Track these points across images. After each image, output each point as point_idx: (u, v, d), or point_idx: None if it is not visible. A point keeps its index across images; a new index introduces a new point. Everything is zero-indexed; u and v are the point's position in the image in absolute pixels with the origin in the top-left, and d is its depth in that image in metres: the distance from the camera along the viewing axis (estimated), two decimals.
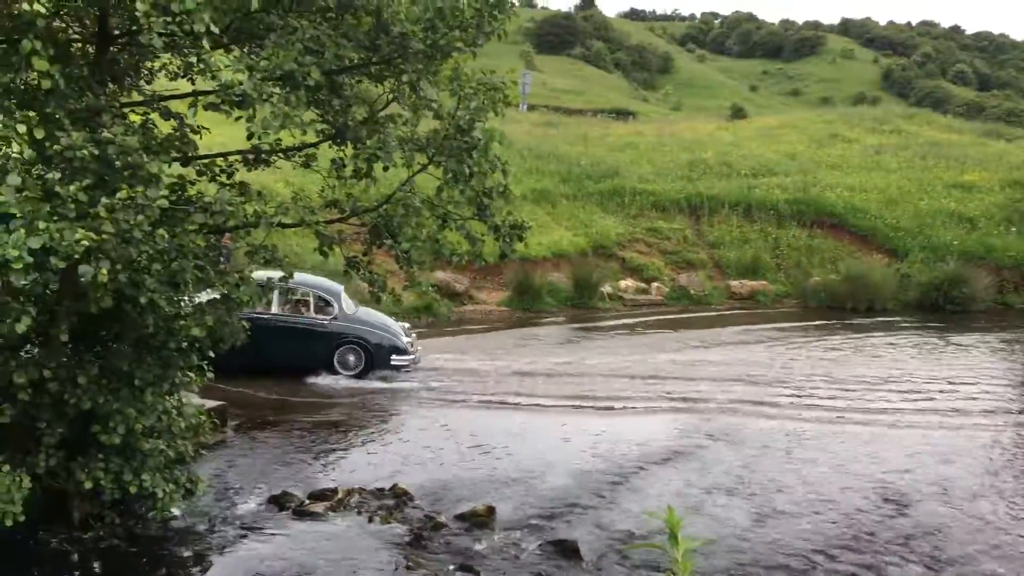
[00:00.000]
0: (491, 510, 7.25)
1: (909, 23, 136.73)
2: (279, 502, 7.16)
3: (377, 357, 11.95)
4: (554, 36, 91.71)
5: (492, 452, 9.01)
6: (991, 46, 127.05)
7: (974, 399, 12.02)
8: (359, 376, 11.82)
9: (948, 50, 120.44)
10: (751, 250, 21.77)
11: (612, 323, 17.63)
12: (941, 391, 12.39)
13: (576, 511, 7.55)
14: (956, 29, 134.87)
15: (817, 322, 18.20)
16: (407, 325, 13.07)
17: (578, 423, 10.37)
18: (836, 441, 9.87)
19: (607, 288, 19.56)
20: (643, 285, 20.25)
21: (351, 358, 11.94)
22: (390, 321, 12.67)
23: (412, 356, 12.33)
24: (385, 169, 6.74)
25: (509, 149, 25.77)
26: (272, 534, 6.62)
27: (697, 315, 18.83)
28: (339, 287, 12.15)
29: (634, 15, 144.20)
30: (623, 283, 20.05)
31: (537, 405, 11.10)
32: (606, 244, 21.41)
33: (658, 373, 12.95)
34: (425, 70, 6.95)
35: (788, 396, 11.83)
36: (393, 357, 12.06)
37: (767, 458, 9.16)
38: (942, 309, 19.76)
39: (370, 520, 6.93)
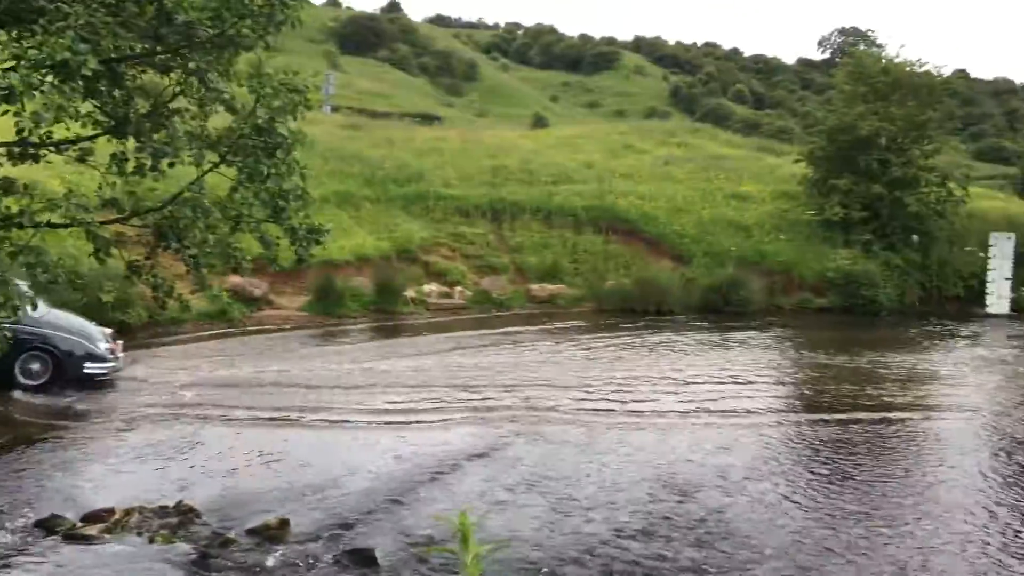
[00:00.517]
0: (285, 523, 7.01)
1: (695, 43, 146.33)
2: (47, 526, 6.57)
3: (68, 365, 10.94)
4: (359, 37, 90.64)
5: (284, 465, 8.74)
6: (766, 68, 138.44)
7: (750, 394, 13.01)
8: (45, 387, 10.76)
9: (729, 70, 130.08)
10: (551, 255, 22.50)
11: (414, 324, 17.65)
12: (721, 385, 13.33)
13: (376, 519, 7.46)
14: (736, 51, 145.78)
15: (610, 323, 19.07)
16: (109, 331, 12.04)
17: (376, 430, 10.27)
18: (627, 436, 10.37)
19: (411, 292, 19.56)
20: (447, 289, 20.42)
21: (36, 366, 10.85)
22: (88, 324, 11.63)
23: (112, 364, 11.41)
24: (171, 165, 6.39)
25: (311, 151, 25.11)
26: (39, 562, 6.07)
27: (498, 316, 19.20)
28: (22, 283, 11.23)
29: (440, 21, 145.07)
30: (427, 287, 20.12)
31: (329, 418, 10.87)
32: (410, 248, 21.40)
33: (456, 377, 13.09)
34: (215, 61, 6.65)
35: (582, 396, 12.29)
36: (87, 365, 11.09)
37: (563, 456, 9.47)
38: (722, 310, 21.30)
39: (151, 540, 6.50)
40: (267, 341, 15.45)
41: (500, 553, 6.87)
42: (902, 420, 11.87)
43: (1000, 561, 7.23)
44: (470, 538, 2.56)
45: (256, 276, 17.10)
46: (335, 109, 40.41)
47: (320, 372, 13.04)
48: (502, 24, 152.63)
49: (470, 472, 8.85)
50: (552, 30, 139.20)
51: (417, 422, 10.63)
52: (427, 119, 51.64)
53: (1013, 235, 25.32)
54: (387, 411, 11.07)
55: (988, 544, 7.60)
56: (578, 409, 11.56)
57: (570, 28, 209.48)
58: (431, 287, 20.22)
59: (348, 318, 18.18)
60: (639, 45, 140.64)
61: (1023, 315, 24.44)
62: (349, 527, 7.25)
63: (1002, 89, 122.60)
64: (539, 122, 63.04)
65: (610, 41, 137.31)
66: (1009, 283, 24.85)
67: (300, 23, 6.93)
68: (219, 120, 6.98)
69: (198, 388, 11.82)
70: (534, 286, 21.52)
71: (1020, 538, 7.78)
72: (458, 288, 20.60)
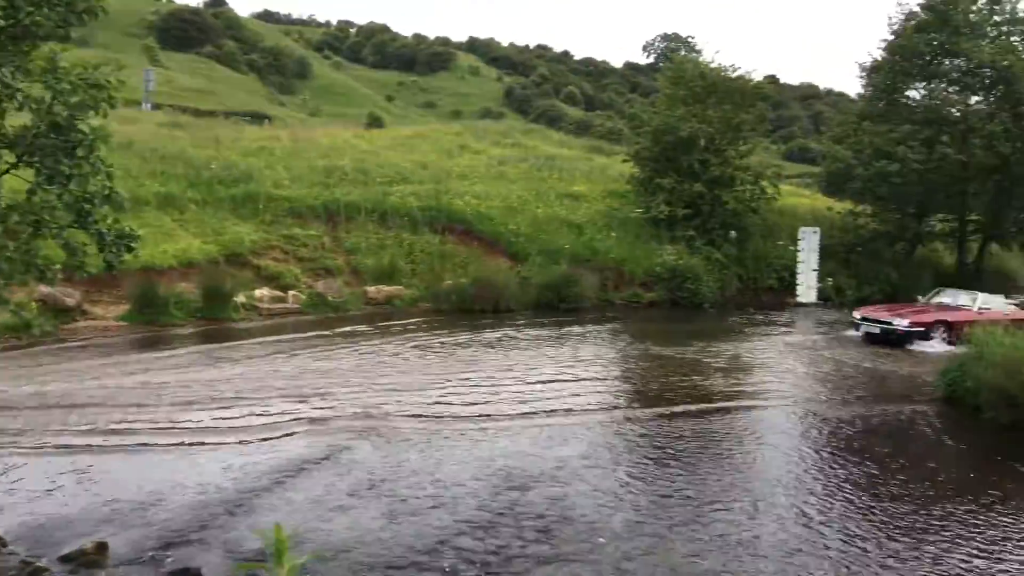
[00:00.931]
0: (103, 546, 6.58)
1: (528, 46, 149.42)
2: None
3: None
4: (181, 32, 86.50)
5: (102, 486, 8.21)
6: (595, 71, 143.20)
7: (586, 388, 13.38)
8: None
9: (560, 73, 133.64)
10: (387, 256, 22.26)
11: (245, 330, 16.99)
12: (559, 380, 13.63)
13: (204, 536, 7.14)
14: (566, 54, 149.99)
15: (447, 323, 19.07)
16: None
17: (202, 443, 9.82)
18: (467, 434, 10.42)
19: (241, 298, 18.83)
20: (280, 293, 19.79)
21: None
22: None
23: None
24: None
25: (129, 150, 23.78)
26: None
27: (335, 320, 18.79)
28: None
29: (268, 17, 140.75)
30: (259, 292, 19.42)
31: (148, 434, 10.31)
32: (240, 252, 20.60)
33: (290, 383, 12.73)
34: (11, 55, 6.15)
35: (420, 397, 12.25)
36: None
37: (404, 457, 9.41)
38: (557, 307, 21.80)
39: None
40: (80, 354, 14.43)
41: (339, 559, 6.77)
42: (726, 408, 12.57)
43: (814, 528, 7.80)
44: (284, 552, 2.48)
45: (68, 285, 15.96)
46: (156, 107, 38.36)
47: (133, 386, 12.31)
48: (334, 22, 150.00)
49: (308, 479, 8.63)
50: (386, 29, 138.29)
51: (247, 430, 10.24)
52: (256, 118, 49.96)
53: (818, 229, 27.37)
54: (215, 422, 10.60)
55: (805, 514, 8.19)
56: (417, 411, 11.51)
57: (404, 28, 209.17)
58: (263, 292, 19.53)
59: (173, 327, 17.27)
60: (473, 46, 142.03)
61: (829, 303, 26.47)
62: (174, 546, 6.91)
63: (808, 94, 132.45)
64: (374, 122, 62.43)
65: (445, 41, 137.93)
66: (816, 274, 26.84)
67: (104, 12, 6.51)
68: (20, 118, 6.45)
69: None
70: (371, 288, 21.24)
71: (831, 508, 8.43)
72: (292, 292, 20.02)
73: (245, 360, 14.33)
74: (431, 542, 7.20)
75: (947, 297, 20.72)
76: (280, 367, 13.84)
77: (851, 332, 19.79)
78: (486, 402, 12.13)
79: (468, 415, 11.40)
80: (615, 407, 12.46)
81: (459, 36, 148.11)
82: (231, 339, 16.36)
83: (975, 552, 7.53)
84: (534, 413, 11.64)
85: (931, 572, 7.09)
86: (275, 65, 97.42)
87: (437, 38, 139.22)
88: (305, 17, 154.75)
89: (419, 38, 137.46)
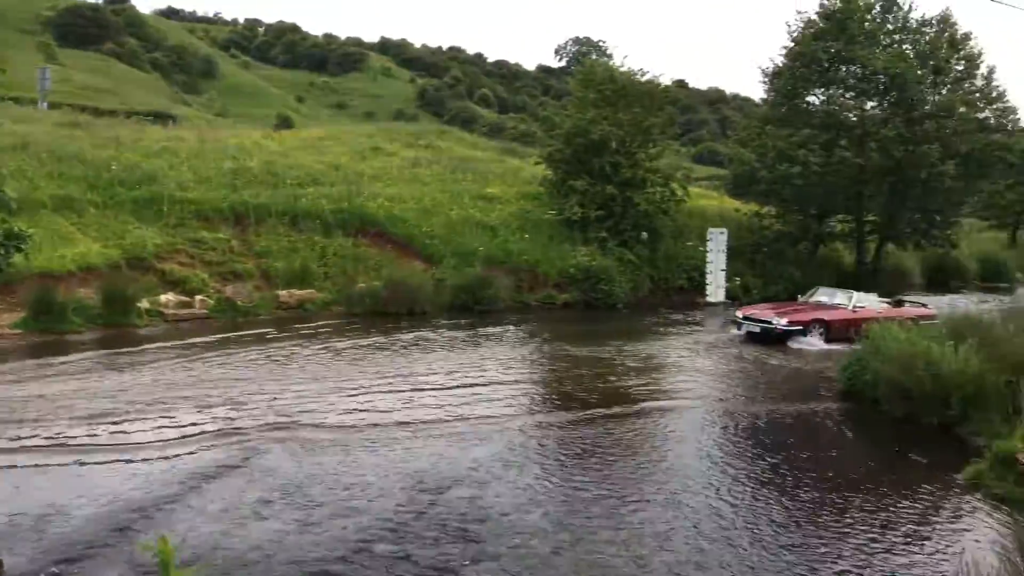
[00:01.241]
0: None
1: (441, 47, 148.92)
2: None
3: None
4: (80, 28, 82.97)
5: None
6: (508, 73, 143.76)
7: (501, 390, 13.41)
8: None
9: (473, 75, 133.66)
10: (299, 259, 21.86)
11: (148, 336, 16.44)
12: (473, 384, 13.61)
13: (105, 550, 6.88)
14: (480, 56, 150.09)
15: (361, 327, 18.85)
16: None
17: (105, 454, 9.46)
18: (382, 439, 10.31)
19: (145, 304, 18.20)
20: (186, 298, 19.19)
21: None
22: None
23: None
24: None
25: (24, 151, 22.77)
26: None
27: (244, 325, 18.34)
28: None
29: (172, 14, 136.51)
30: (163, 297, 18.80)
31: (44, 446, 9.89)
32: (143, 256, 19.91)
33: (199, 390, 12.38)
34: None
35: (333, 402, 12.08)
36: None
37: (316, 465, 9.25)
38: (472, 309, 21.80)
39: None
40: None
41: (251, 568, 6.61)
42: (641, 407, 12.78)
43: (725, 519, 8.00)
44: (170, 564, 2.40)
45: None
46: (53, 106, 36.74)
47: (27, 398, 11.77)
48: (241, 20, 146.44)
49: (216, 488, 8.40)
50: (295, 28, 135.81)
51: (152, 443, 9.90)
52: (160, 118, 48.43)
53: (726, 230, 28.11)
54: (115, 436, 10.21)
55: (712, 505, 8.39)
56: (331, 417, 11.33)
57: (314, 27, 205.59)
58: (168, 297, 18.91)
59: (72, 334, 16.57)
60: (386, 47, 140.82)
61: (737, 303, 27.20)
62: (74, 561, 6.63)
63: (715, 98, 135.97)
64: (284, 123, 61.30)
65: (356, 42, 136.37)
66: (724, 274, 27.56)
67: None
68: None
69: None
70: (282, 292, 20.82)
71: (741, 501, 8.66)
72: (199, 297, 19.44)
73: (148, 367, 13.86)
74: (348, 548, 7.10)
75: (824, 296, 21.09)
76: (182, 375, 13.43)
77: (734, 331, 20.14)
78: (402, 407, 12.03)
79: (383, 421, 11.28)
80: (532, 410, 12.52)
81: (371, 36, 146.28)
82: (132, 345, 15.80)
83: (870, 534, 7.86)
84: (448, 419, 11.59)
85: (829, 553, 7.37)
86: (179, 64, 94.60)
87: (348, 38, 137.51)
88: (211, 15, 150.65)
89: (330, 38, 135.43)
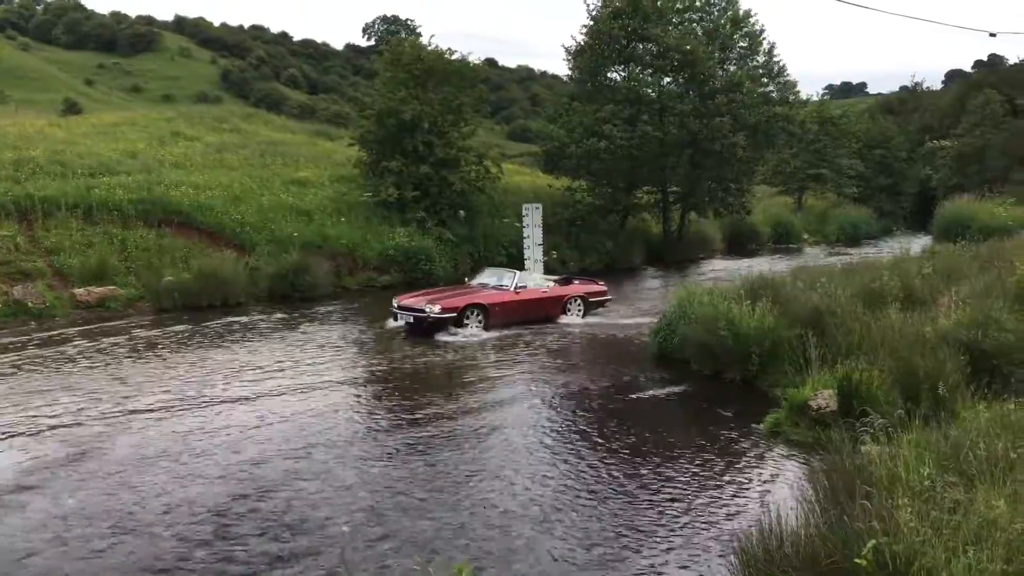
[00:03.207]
0: None
1: (242, 26, 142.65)
2: None
3: None
4: None
5: None
6: (317, 53, 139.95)
7: (323, 376, 13.17)
8: None
9: (280, 55, 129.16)
10: (96, 255, 20.34)
11: None
12: (295, 373, 13.29)
13: None
14: (285, 35, 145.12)
15: (170, 322, 17.91)
16: None
17: None
18: (199, 443, 9.87)
19: None
20: None
21: None
22: None
23: None
24: None
25: None
26: None
27: (36, 329, 16.93)
28: None
29: None
30: None
31: None
32: None
33: None
34: None
35: (132, 406, 11.44)
36: None
37: (123, 476, 8.73)
38: (291, 296, 21.20)
39: None
40: None
41: None
42: (469, 382, 12.92)
43: (558, 489, 8.25)
44: None
45: None
46: None
47: None
48: None
49: (15, 506, 7.76)
50: (79, 6, 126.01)
51: None
52: None
53: (540, 205, 28.76)
54: None
55: (547, 478, 8.63)
56: (138, 421, 10.72)
57: (99, 5, 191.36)
58: None
59: None
60: (182, 26, 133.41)
61: (554, 274, 28.00)
62: None
63: (525, 76, 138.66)
64: (71, 108, 56.94)
65: (148, 20, 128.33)
66: (541, 248, 28.22)
67: None
68: None
69: None
70: (79, 290, 19.35)
71: (569, 471, 8.95)
72: None
73: None
74: (167, 560, 6.78)
75: (491, 276, 19.10)
76: None
77: (391, 323, 17.47)
78: (218, 404, 11.55)
79: (197, 420, 10.80)
80: (357, 391, 12.38)
81: (164, 15, 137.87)
82: None
83: (683, 485, 8.39)
84: (271, 412, 11.25)
85: (652, 499, 7.81)
86: None
87: (139, 17, 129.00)
88: None
89: (118, 16, 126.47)
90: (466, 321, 16.88)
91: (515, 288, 17.94)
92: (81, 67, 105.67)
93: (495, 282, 18.50)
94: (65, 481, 8.48)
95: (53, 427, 10.31)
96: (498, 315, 17.27)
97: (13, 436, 9.95)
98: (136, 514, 7.65)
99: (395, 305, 17.45)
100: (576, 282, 19.92)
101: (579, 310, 18.70)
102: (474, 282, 19.05)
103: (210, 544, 7.04)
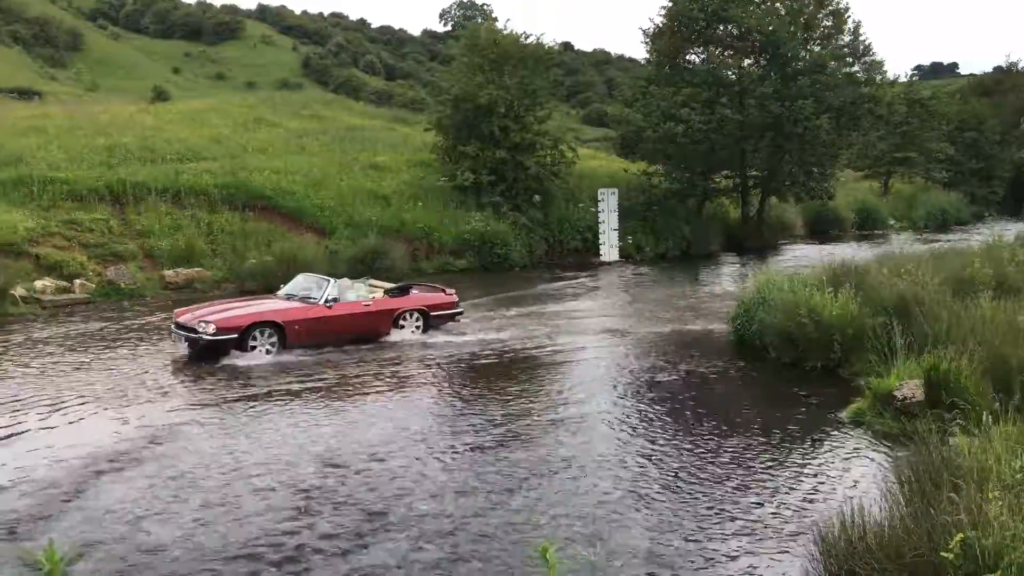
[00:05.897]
0: None
1: (321, 13, 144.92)
2: None
3: None
4: None
5: None
6: (394, 39, 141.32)
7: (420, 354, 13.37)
8: None
9: (358, 41, 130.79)
10: (184, 237, 21.09)
11: (25, 327, 15.62)
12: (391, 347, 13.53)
13: None
14: (363, 22, 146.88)
15: None
16: None
17: None
18: (286, 419, 10.17)
19: (19, 291, 17.25)
20: (65, 283, 18.29)
21: None
22: None
23: None
24: None
25: None
26: None
27: (130, 308, 17.63)
28: None
29: None
30: (39, 283, 17.87)
31: None
32: (14, 241, 18.82)
33: (75, 386, 11.89)
34: None
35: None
36: None
37: (206, 460, 9.05)
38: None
39: None
40: None
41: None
42: (566, 360, 12.95)
43: (636, 471, 8.24)
44: (57, 571, 2.34)
45: None
46: None
47: None
48: None
49: (115, 484, 8.11)
50: None
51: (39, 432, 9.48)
52: (25, 95, 45.79)
53: (616, 190, 28.62)
54: None
55: (625, 463, 8.63)
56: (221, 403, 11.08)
57: None
58: (45, 282, 17.98)
59: None
60: (264, 14, 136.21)
61: (630, 261, 27.84)
62: None
63: (601, 60, 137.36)
64: (160, 95, 58.78)
65: (232, 9, 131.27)
66: (616, 233, 28.11)
67: None
68: None
69: None
70: (168, 272, 20.09)
71: (652, 452, 8.93)
72: (79, 281, 18.56)
73: (50, 358, 13.20)
74: (239, 548, 7.01)
75: (300, 287, 14.87)
76: (65, 366, 12.85)
77: (176, 344, 13.75)
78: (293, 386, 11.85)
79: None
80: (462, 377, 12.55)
81: (247, 3, 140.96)
82: (30, 335, 14.99)
83: (768, 468, 8.27)
84: (359, 391, 11.49)
85: (732, 485, 7.72)
86: (43, 36, 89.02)
87: (224, 5, 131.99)
88: None
89: (204, 6, 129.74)
90: (252, 343, 13.18)
91: (325, 301, 14.07)
92: (168, 55, 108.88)
93: (303, 293, 14.50)
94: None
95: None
96: (298, 335, 13.56)
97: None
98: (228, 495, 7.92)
99: (175, 324, 13.65)
100: (416, 291, 15.72)
101: (416, 325, 15.01)
102: (281, 292, 15.06)
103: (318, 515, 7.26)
